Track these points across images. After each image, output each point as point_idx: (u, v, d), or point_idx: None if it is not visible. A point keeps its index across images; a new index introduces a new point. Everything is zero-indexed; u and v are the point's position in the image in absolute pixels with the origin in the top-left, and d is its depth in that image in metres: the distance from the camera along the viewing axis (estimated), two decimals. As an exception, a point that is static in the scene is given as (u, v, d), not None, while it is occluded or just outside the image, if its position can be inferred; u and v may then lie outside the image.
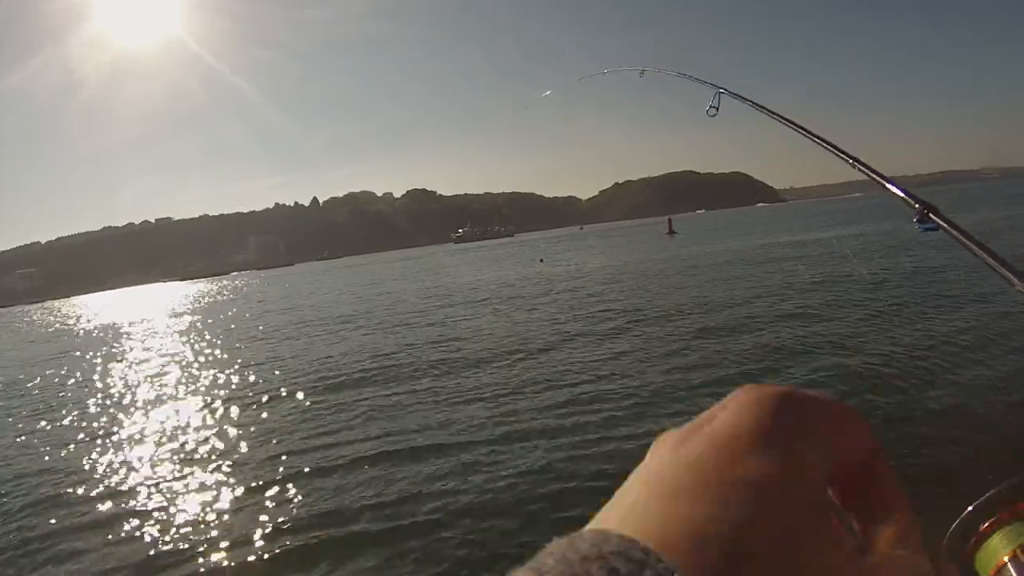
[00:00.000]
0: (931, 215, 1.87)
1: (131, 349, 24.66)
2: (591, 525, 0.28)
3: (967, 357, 7.85)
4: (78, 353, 24.83)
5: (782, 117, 2.94)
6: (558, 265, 43.41)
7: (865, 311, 11.22)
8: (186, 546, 5.89)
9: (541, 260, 50.05)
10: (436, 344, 15.43)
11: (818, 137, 2.64)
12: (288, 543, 5.80)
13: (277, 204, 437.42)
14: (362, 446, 8.29)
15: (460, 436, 8.09)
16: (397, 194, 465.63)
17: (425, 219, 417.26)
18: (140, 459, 8.91)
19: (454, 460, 7.26)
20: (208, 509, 6.79)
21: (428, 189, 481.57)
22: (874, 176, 2.22)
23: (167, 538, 6.08)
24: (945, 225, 1.83)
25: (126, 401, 13.51)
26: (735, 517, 0.27)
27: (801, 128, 2.81)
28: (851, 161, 2.33)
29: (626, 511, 0.30)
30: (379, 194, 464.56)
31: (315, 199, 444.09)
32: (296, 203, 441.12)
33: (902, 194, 2.08)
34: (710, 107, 3.48)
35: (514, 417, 8.49)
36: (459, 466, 7.07)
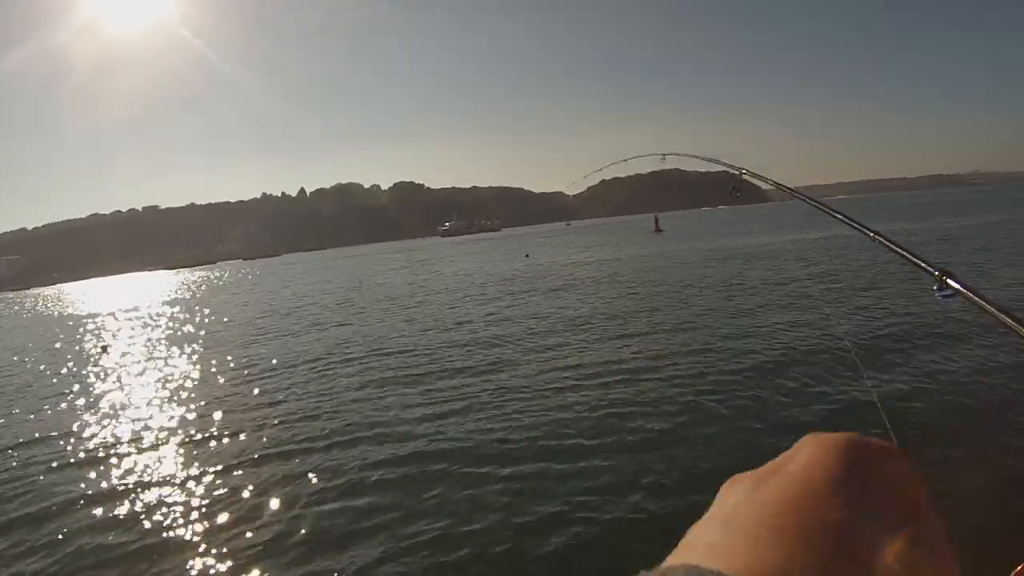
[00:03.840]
0: (948, 281, 1.90)
1: (113, 338, 24.94)
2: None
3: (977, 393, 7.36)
4: (61, 342, 25.06)
5: (803, 196, 3.17)
6: (543, 259, 43.93)
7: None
8: (168, 537, 5.98)
9: (527, 255, 50.73)
10: (409, 343, 15.31)
11: (839, 213, 2.78)
12: (265, 532, 5.92)
13: (264, 194, 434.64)
14: (342, 432, 8.60)
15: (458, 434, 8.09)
16: (384, 186, 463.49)
17: (412, 212, 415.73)
18: (116, 448, 9.02)
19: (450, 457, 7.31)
20: (183, 496, 6.94)
21: (416, 182, 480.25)
22: (893, 247, 2.28)
23: (149, 528, 6.18)
24: (963, 290, 1.84)
25: (107, 390, 13.65)
26: (816, 557, 0.28)
27: (821, 205, 2.99)
28: (872, 235, 2.41)
29: (707, 550, 0.31)
30: (367, 186, 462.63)
31: (302, 190, 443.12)
32: (283, 193, 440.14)
33: (920, 263, 2.11)
34: (732, 188, 3.85)
35: (521, 415, 8.48)
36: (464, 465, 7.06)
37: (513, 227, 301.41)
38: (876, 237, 2.42)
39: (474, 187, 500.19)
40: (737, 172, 3.86)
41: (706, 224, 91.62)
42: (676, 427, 7.20)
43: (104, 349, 21.15)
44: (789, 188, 3.44)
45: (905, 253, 2.23)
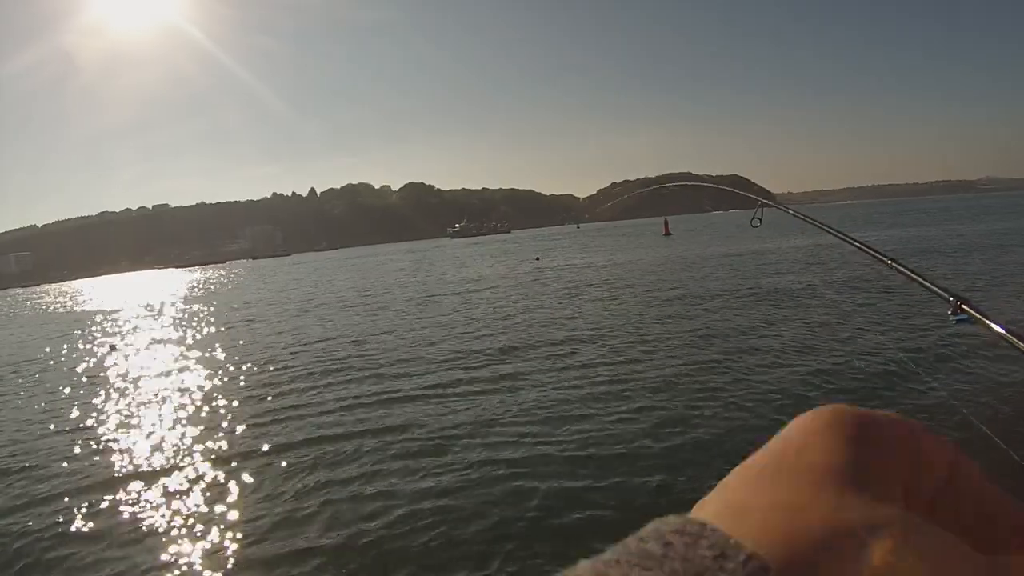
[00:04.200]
0: (963, 307, 1.89)
1: (121, 338, 24.72)
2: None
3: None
4: (69, 339, 25.01)
5: (825, 225, 3.15)
6: (554, 263, 43.33)
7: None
8: (168, 533, 6.07)
9: (537, 258, 50.30)
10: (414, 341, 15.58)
11: (856, 241, 2.80)
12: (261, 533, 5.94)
13: (275, 194, 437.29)
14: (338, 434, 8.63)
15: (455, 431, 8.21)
16: (395, 187, 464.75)
17: (422, 213, 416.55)
18: (121, 445, 9.10)
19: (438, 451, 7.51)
20: (178, 491, 7.04)
21: (426, 183, 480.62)
22: (909, 274, 2.29)
23: (161, 528, 6.21)
24: (978, 316, 1.84)
25: (114, 387, 13.69)
26: (801, 502, 0.28)
27: (841, 234, 2.98)
28: (889, 262, 2.43)
29: (706, 499, 0.32)
30: (377, 187, 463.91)
31: (312, 190, 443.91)
32: (294, 193, 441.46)
33: (936, 289, 2.11)
34: (754, 218, 3.91)
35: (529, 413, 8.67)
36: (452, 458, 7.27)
37: (523, 229, 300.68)
38: (893, 264, 2.45)
39: (484, 189, 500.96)
40: (760, 204, 3.90)
41: (715, 228, 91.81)
42: (704, 441, 7.18)
43: (112, 348, 21.16)
44: (811, 219, 3.48)
45: (921, 280, 2.24)
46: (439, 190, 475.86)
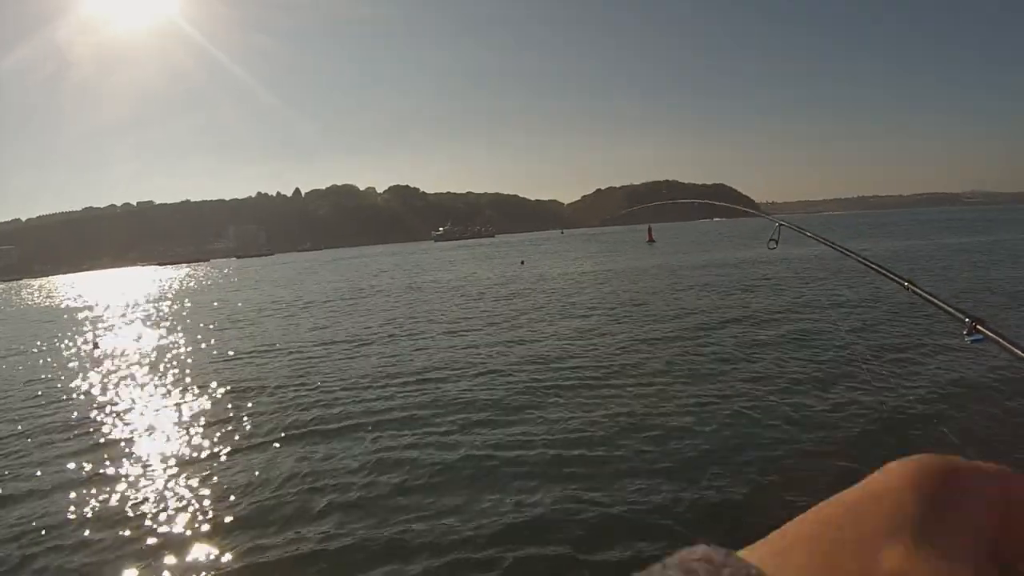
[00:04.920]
0: (978, 327, 1.96)
1: (104, 332, 25.21)
2: None
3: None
4: (51, 336, 25.21)
5: (838, 246, 3.23)
6: (538, 268, 43.59)
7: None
8: (155, 530, 6.13)
9: (522, 262, 50.79)
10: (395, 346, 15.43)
11: (873, 263, 2.85)
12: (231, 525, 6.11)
13: (260, 193, 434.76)
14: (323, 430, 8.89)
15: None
16: (380, 189, 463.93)
17: (407, 216, 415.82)
18: (101, 442, 9.22)
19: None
20: (171, 491, 7.08)
21: (411, 186, 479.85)
22: (925, 296, 2.35)
23: (138, 523, 6.31)
24: (993, 336, 1.92)
25: (94, 384, 13.80)
26: (859, 551, 0.28)
27: (855, 254, 3.04)
28: (906, 284, 2.47)
29: (751, 548, 0.31)
30: (362, 188, 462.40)
31: (297, 190, 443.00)
32: (279, 193, 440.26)
33: (951, 309, 2.18)
34: (770, 240, 3.83)
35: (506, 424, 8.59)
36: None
37: (508, 234, 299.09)
38: (909, 286, 2.47)
39: (469, 192, 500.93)
40: (776, 224, 3.96)
41: (700, 236, 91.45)
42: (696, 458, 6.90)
43: (95, 344, 21.20)
44: (825, 240, 3.53)
45: (937, 302, 2.29)
46: (424, 193, 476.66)
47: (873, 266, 2.84)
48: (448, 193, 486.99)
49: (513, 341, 14.72)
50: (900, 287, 2.55)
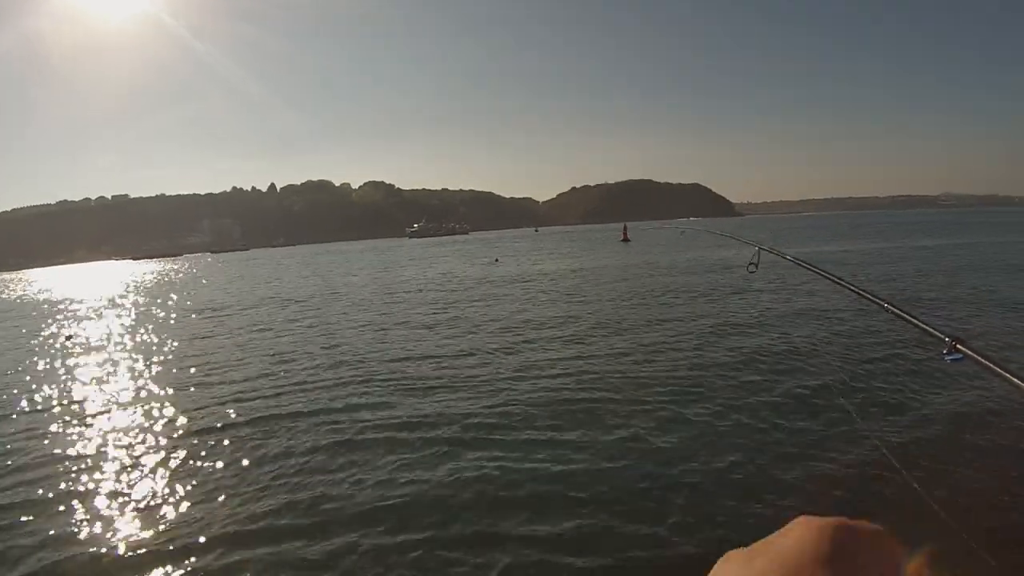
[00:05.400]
0: (958, 346, 2.01)
1: (78, 326, 25.33)
2: None
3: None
4: (24, 330, 25.14)
5: (818, 269, 3.35)
6: (513, 266, 43.24)
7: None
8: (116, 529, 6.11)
9: (496, 260, 50.93)
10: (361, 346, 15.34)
11: (851, 285, 2.95)
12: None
13: (235, 187, 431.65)
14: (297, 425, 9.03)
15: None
16: (355, 185, 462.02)
17: (382, 212, 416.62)
18: (67, 435, 9.38)
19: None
20: (132, 487, 7.13)
21: (386, 182, 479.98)
22: (904, 316, 2.40)
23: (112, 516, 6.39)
24: (973, 355, 1.95)
25: (69, 379, 13.90)
26: None
27: (836, 278, 3.14)
28: (885, 306, 2.54)
29: None
30: (337, 184, 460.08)
31: (273, 185, 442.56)
32: (254, 188, 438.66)
33: (931, 329, 2.23)
34: (750, 264, 3.97)
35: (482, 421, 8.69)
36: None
37: (482, 231, 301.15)
38: (889, 307, 2.53)
39: (444, 189, 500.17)
40: (756, 248, 3.98)
41: (675, 235, 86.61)
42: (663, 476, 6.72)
43: (68, 338, 21.32)
44: (804, 263, 3.57)
45: (917, 322, 2.33)
46: (399, 189, 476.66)
47: (852, 288, 2.92)
48: (423, 190, 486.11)
49: (495, 349, 13.98)
50: (880, 308, 2.60)
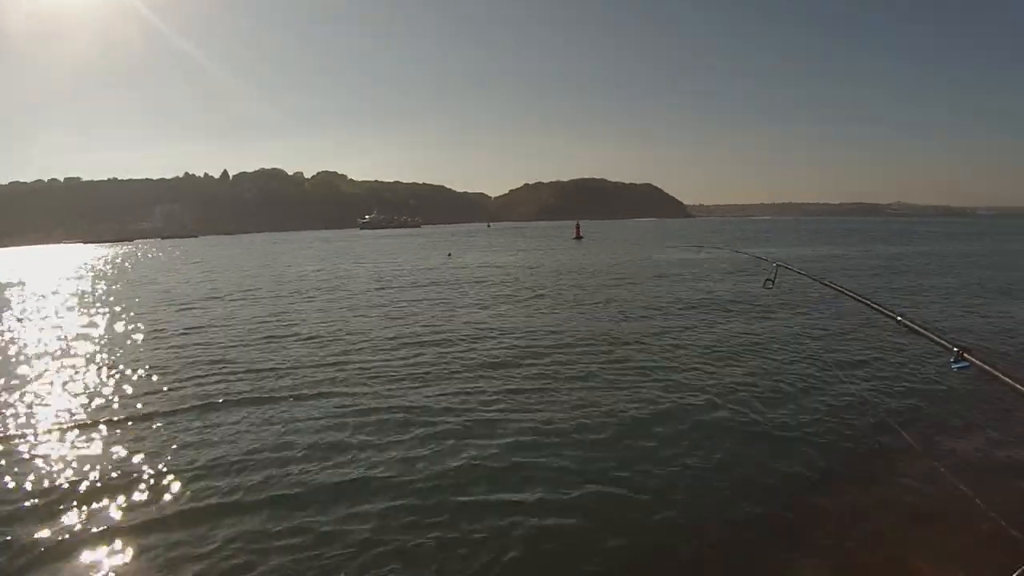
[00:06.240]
0: (965, 355, 2.06)
1: (26, 310, 25.05)
2: None
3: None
4: None
5: (832, 284, 3.47)
6: (466, 259, 44.27)
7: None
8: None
9: (449, 254, 51.48)
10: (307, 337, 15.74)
11: (866, 299, 3.00)
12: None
13: (187, 173, 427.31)
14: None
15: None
16: (308, 174, 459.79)
17: (334, 202, 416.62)
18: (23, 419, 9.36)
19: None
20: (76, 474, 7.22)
21: (339, 172, 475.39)
22: (915, 328, 2.46)
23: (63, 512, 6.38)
24: (979, 363, 2.00)
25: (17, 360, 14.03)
26: None
27: (849, 292, 3.23)
28: (898, 319, 2.60)
29: None
30: (290, 172, 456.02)
31: (225, 172, 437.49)
32: (206, 174, 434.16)
33: (941, 341, 2.28)
34: (767, 281, 4.14)
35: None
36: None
37: (434, 224, 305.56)
38: (901, 320, 2.59)
39: (397, 182, 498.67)
40: (775, 265, 4.13)
41: (628, 234, 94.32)
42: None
43: (19, 320, 21.32)
44: (819, 279, 3.72)
45: (928, 334, 2.37)
46: (351, 180, 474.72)
47: (866, 302, 2.97)
48: (376, 181, 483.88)
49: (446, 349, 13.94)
50: (892, 321, 2.66)
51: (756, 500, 6.30)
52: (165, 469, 7.33)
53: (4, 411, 9.88)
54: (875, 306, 2.88)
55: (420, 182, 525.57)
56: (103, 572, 5.33)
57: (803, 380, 10.51)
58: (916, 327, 2.48)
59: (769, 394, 9.77)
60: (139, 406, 9.98)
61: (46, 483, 7.02)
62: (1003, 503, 5.46)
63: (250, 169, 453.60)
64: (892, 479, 6.49)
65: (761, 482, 6.69)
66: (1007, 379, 1.83)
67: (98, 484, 6.98)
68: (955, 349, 2.11)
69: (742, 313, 17.18)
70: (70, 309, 24.67)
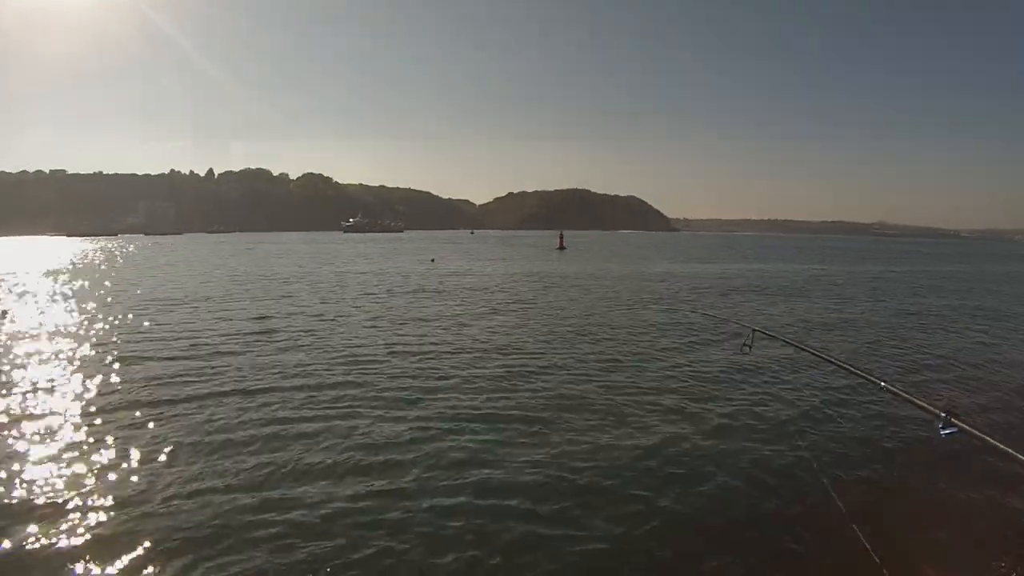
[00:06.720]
0: (952, 420, 2.03)
1: (14, 302, 25.01)
2: None
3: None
4: None
5: (811, 350, 3.43)
6: (449, 266, 44.23)
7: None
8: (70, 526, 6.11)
9: (432, 260, 51.59)
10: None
11: (848, 364, 2.98)
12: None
13: (173, 170, 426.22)
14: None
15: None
16: (293, 176, 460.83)
17: (318, 205, 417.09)
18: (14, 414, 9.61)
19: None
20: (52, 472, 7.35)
21: (324, 175, 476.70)
22: (900, 393, 2.45)
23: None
24: (967, 428, 1.98)
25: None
26: None
27: (831, 358, 3.16)
28: (883, 384, 2.55)
29: None
30: (275, 173, 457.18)
31: (211, 171, 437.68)
32: (192, 172, 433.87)
33: (926, 406, 2.24)
34: (744, 344, 4.10)
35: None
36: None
37: (417, 230, 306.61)
38: (885, 385, 2.55)
39: (382, 186, 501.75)
40: (751, 331, 4.03)
41: (611, 246, 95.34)
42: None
43: (3, 314, 20.92)
44: (796, 344, 3.68)
45: (912, 399, 2.36)
46: (336, 183, 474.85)
47: (849, 368, 2.96)
48: (360, 185, 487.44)
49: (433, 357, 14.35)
50: (876, 386, 2.60)
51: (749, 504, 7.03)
52: (141, 462, 7.75)
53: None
54: (857, 371, 2.93)
55: (405, 187, 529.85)
56: (93, 567, 5.40)
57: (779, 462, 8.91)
58: (902, 393, 2.50)
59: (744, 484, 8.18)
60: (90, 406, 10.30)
61: (26, 477, 7.26)
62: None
63: (236, 168, 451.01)
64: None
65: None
66: (995, 443, 1.85)
67: (83, 479, 7.24)
68: (942, 415, 2.09)
69: (719, 381, 13.72)
70: (53, 302, 25.15)
